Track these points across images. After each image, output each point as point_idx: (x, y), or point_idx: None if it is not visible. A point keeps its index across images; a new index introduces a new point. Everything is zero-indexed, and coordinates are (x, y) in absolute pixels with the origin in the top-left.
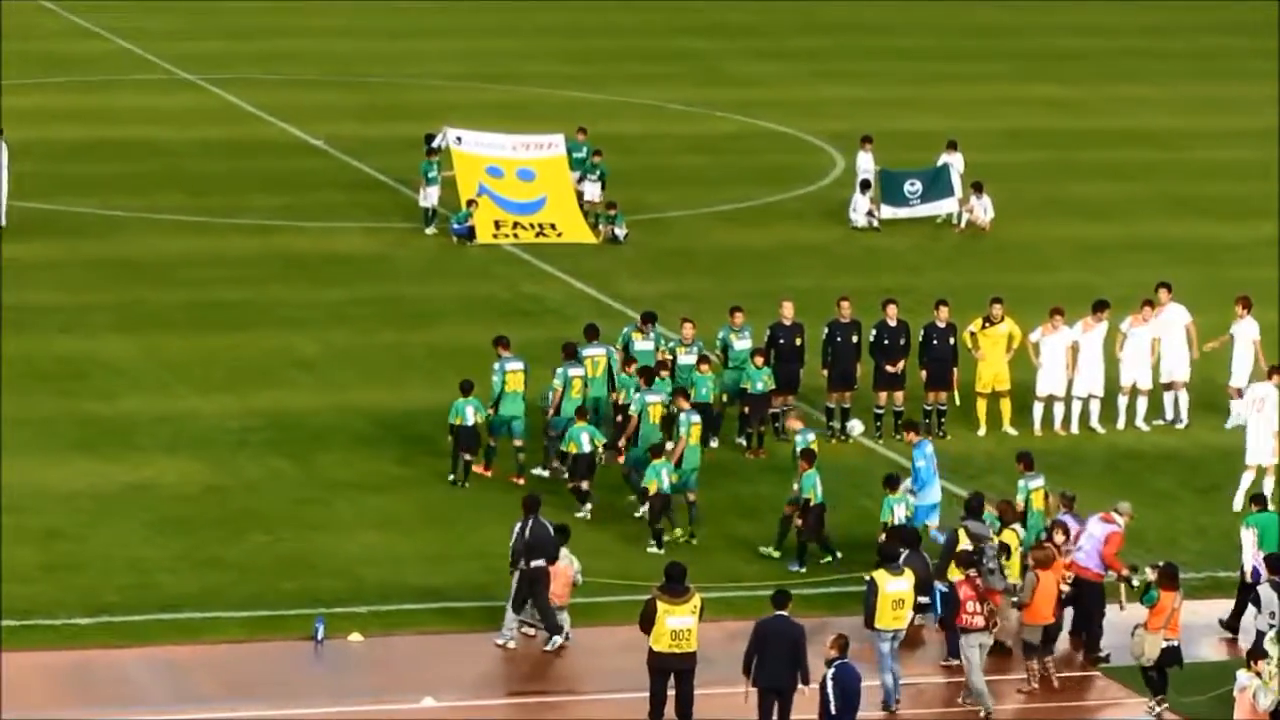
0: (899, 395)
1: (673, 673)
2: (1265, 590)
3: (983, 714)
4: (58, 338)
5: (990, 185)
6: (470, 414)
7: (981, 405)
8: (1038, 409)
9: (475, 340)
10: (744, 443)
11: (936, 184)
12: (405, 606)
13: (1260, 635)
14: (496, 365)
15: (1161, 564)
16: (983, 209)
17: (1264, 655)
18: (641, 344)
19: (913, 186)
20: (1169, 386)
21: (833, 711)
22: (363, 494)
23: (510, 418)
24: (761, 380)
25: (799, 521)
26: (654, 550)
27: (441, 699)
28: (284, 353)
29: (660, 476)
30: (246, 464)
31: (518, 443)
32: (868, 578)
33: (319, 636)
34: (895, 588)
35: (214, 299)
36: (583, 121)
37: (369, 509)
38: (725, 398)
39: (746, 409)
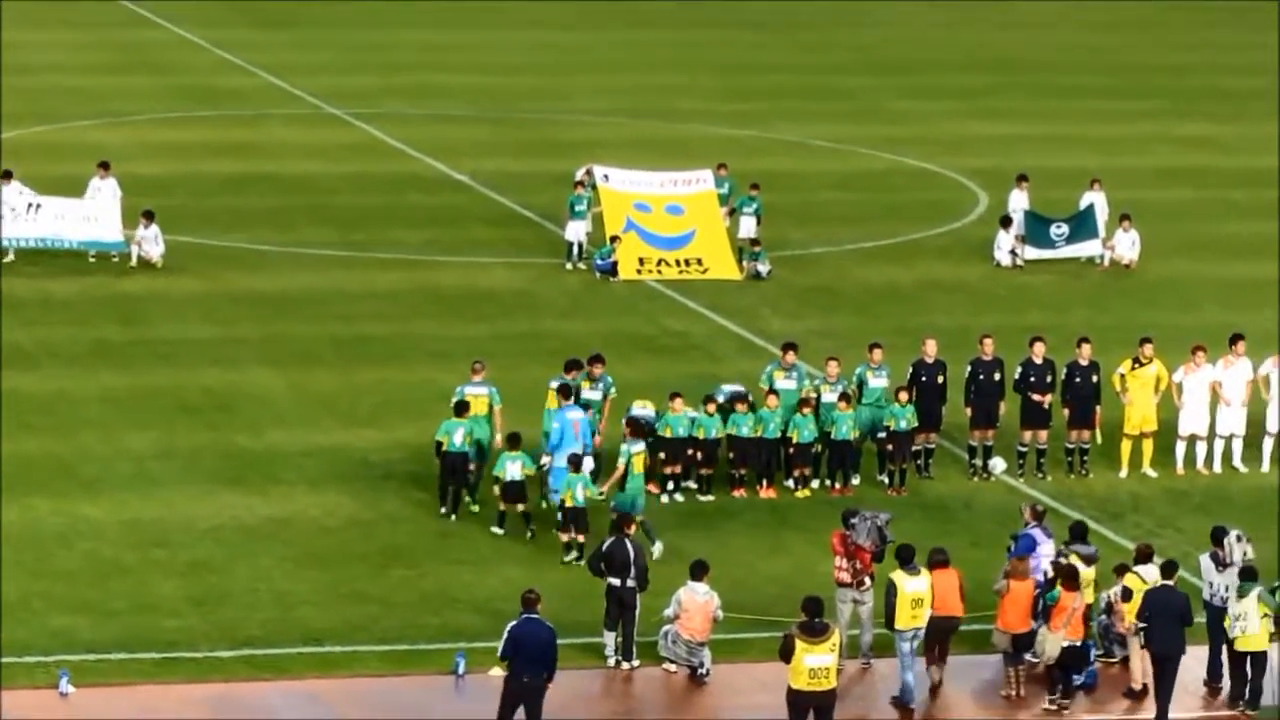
0: (1043, 434)
1: (812, 709)
2: (1204, 560)
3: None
4: (205, 371)
5: (1137, 223)
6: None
7: (1126, 446)
8: (1180, 448)
9: (618, 376)
10: (885, 480)
11: (1082, 226)
12: None
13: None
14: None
15: (1064, 562)
16: (1129, 243)
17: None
18: (783, 382)
19: (1059, 230)
20: None
21: (501, 654)
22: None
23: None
24: (905, 418)
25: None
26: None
27: None
28: (428, 386)
29: (576, 489)
30: (390, 498)
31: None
32: (888, 579)
33: (460, 671)
34: (914, 588)
35: (360, 333)
36: (730, 157)
37: (510, 544)
38: (858, 434)
39: (889, 446)
